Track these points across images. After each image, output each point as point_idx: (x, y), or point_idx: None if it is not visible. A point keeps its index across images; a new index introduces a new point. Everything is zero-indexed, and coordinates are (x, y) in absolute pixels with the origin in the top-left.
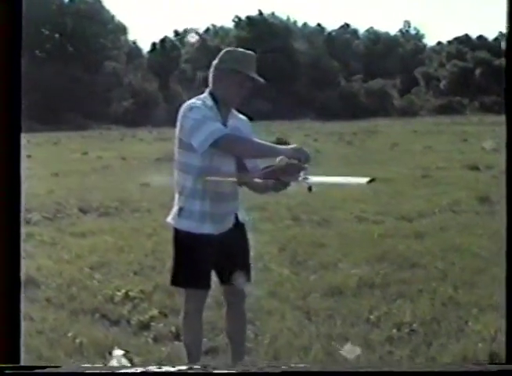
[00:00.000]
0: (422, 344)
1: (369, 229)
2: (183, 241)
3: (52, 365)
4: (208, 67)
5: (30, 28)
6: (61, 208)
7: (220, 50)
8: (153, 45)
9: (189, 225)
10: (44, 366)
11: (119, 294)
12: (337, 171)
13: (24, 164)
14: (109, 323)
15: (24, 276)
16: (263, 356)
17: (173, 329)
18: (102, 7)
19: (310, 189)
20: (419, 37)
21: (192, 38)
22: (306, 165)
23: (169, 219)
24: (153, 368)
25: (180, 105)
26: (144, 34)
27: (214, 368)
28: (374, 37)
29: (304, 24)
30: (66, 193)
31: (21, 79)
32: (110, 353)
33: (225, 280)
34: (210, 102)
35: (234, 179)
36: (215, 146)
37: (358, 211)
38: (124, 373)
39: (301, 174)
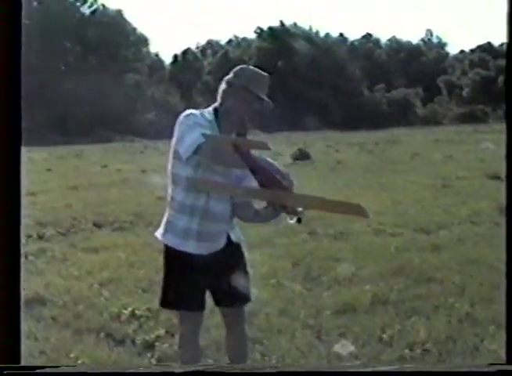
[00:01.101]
0: (435, 364)
1: (386, 242)
2: (170, 259)
3: (52, 365)
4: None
5: (52, 41)
6: (76, 223)
7: (242, 61)
8: (175, 56)
9: (173, 241)
10: (44, 366)
11: (125, 312)
12: (357, 182)
13: (43, 178)
14: (113, 343)
15: (32, 293)
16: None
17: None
18: (124, 19)
19: (300, 220)
20: (441, 45)
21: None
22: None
23: (156, 233)
24: (155, 369)
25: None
26: (166, 46)
27: (216, 368)
28: (396, 46)
29: (327, 34)
30: (83, 207)
31: (21, 88)
32: None
33: (220, 301)
34: (210, 116)
35: (224, 190)
36: (198, 152)
37: (375, 223)
38: (125, 373)
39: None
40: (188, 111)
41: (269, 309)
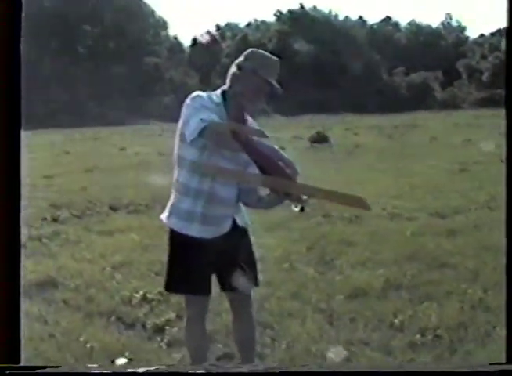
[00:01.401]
0: (446, 350)
1: (402, 227)
2: (174, 242)
3: (52, 365)
4: None
5: (71, 24)
6: (91, 206)
7: (261, 44)
8: (194, 39)
9: (177, 224)
10: (44, 366)
11: (137, 295)
12: (375, 166)
13: (60, 160)
14: (124, 327)
15: (44, 276)
16: (278, 363)
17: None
18: (143, 2)
19: (303, 209)
20: (461, 29)
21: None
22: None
23: (161, 216)
24: (154, 369)
25: None
26: (185, 29)
27: (216, 368)
28: (416, 29)
29: (346, 17)
30: (99, 189)
31: (21, 76)
32: (113, 361)
33: (226, 286)
34: (218, 99)
35: (228, 176)
36: (203, 135)
37: (391, 207)
38: (125, 373)
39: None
40: (195, 93)
41: (281, 292)
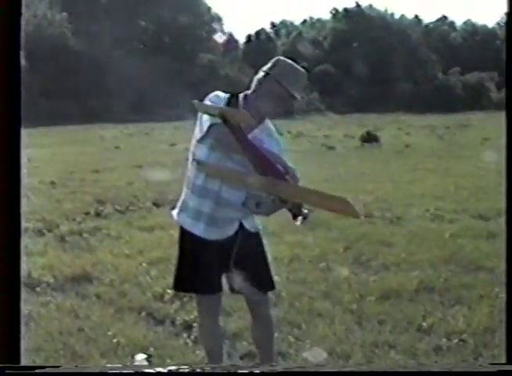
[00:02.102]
0: (470, 355)
1: (442, 228)
2: (183, 240)
3: (52, 365)
4: (304, 59)
5: (127, 20)
6: (135, 201)
7: (316, 42)
8: (249, 37)
9: (185, 221)
10: (44, 366)
11: (169, 292)
12: (423, 166)
13: (110, 155)
14: (153, 323)
15: (80, 270)
16: (299, 363)
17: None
18: None
19: (305, 218)
20: None
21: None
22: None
23: (173, 212)
24: (155, 369)
25: None
26: (240, 25)
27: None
28: (472, 29)
29: (402, 16)
30: (145, 185)
31: (21, 74)
32: (133, 356)
33: (234, 288)
34: (234, 102)
35: (233, 180)
36: (209, 134)
37: (434, 208)
38: (125, 373)
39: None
40: (214, 93)
41: (313, 292)
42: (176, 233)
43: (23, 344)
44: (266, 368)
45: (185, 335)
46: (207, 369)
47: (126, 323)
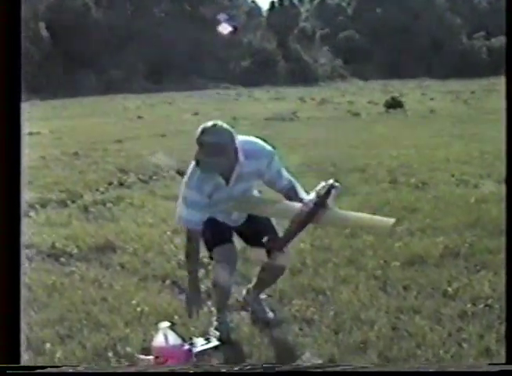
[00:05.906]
0: (496, 320)
1: (467, 193)
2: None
3: (52, 365)
4: (328, 25)
5: None
6: (158, 170)
7: (340, 7)
8: (272, 3)
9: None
10: (44, 366)
11: None
12: (448, 131)
13: (133, 125)
14: (178, 291)
15: (103, 240)
16: (324, 330)
17: (239, 298)
18: None
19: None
20: None
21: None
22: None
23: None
24: (152, 368)
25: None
26: None
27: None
28: None
29: None
30: (169, 154)
31: (20, 47)
32: (157, 325)
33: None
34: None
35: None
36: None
37: (459, 173)
38: (125, 373)
39: None
40: (192, 170)
41: (338, 259)
42: None
43: (47, 313)
44: (267, 368)
45: (209, 303)
46: (207, 369)
47: (150, 292)
